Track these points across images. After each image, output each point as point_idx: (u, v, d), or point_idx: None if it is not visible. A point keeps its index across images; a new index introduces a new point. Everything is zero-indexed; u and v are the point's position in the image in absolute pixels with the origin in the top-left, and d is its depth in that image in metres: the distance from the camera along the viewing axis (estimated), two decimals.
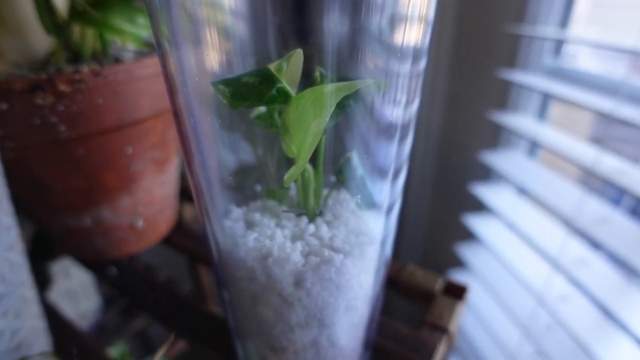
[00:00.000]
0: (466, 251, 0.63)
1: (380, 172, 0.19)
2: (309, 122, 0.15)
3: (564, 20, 0.53)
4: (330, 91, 0.15)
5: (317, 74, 0.17)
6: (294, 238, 0.18)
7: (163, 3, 0.14)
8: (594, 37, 0.44)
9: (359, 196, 0.19)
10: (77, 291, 0.59)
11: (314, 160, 0.18)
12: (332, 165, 0.19)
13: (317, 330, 0.19)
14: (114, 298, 0.68)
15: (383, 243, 0.21)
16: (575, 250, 0.48)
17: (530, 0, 0.52)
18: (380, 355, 0.27)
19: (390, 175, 0.19)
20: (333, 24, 0.15)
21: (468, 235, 0.65)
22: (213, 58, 0.16)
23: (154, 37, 0.16)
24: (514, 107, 0.58)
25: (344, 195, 0.21)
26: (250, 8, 0.15)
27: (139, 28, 0.28)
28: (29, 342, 0.23)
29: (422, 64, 0.17)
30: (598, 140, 0.53)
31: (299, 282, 0.18)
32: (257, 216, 0.19)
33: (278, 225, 0.19)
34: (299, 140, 0.16)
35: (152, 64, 0.28)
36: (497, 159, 0.58)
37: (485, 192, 0.59)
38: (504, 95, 0.59)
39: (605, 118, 0.45)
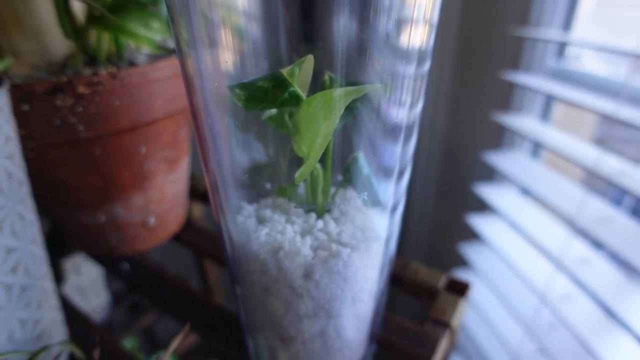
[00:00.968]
0: (470, 250, 0.64)
1: (385, 172, 0.20)
2: (319, 123, 0.16)
3: (567, 22, 0.53)
4: (339, 95, 0.16)
5: (326, 77, 0.18)
6: (304, 233, 0.19)
7: (183, 9, 0.15)
8: (596, 40, 0.45)
9: (365, 193, 0.20)
10: (87, 287, 0.61)
11: (322, 159, 0.19)
12: (340, 165, 0.20)
13: (325, 321, 0.20)
14: (122, 295, 0.69)
15: (387, 241, 0.22)
16: (577, 249, 0.48)
17: (533, 3, 0.53)
18: (385, 348, 0.28)
19: (394, 175, 0.20)
20: (342, 27, 0.16)
21: (472, 235, 0.65)
22: (229, 61, 0.17)
23: (174, 41, 0.17)
24: (517, 109, 0.59)
25: (350, 193, 0.22)
26: (262, 12, 0.16)
27: (153, 32, 0.29)
28: (49, 332, 0.25)
29: (427, 65, 0.18)
30: (601, 141, 0.53)
31: (308, 275, 0.19)
32: (268, 212, 0.20)
33: (288, 221, 0.20)
34: (309, 141, 0.17)
35: (165, 66, 0.29)
36: (500, 160, 0.58)
37: (488, 192, 0.60)
38: (507, 97, 0.59)
39: (608, 119, 0.46)
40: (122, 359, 0.29)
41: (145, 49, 0.33)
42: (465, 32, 0.62)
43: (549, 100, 0.58)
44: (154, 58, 0.30)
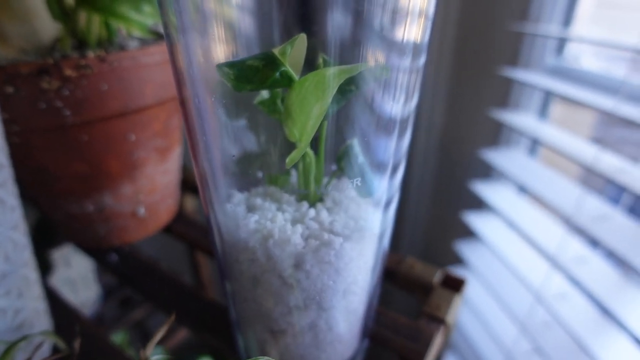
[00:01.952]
0: (465, 248, 0.63)
1: (379, 166, 0.19)
2: (312, 105, 0.16)
3: (567, 19, 0.53)
4: (332, 74, 0.15)
5: (320, 60, 0.17)
6: (295, 222, 0.19)
7: None
8: (596, 36, 0.44)
9: (358, 179, 0.19)
10: (76, 280, 0.60)
11: (315, 147, 0.18)
12: (334, 156, 0.19)
13: (316, 313, 0.20)
14: (113, 289, 0.68)
15: (381, 237, 0.21)
16: (574, 248, 0.48)
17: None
18: (379, 343, 0.27)
19: (388, 170, 0.20)
20: (336, 18, 0.15)
21: (468, 233, 0.65)
22: (219, 47, 0.16)
23: (162, 26, 0.16)
24: (515, 105, 0.59)
25: (344, 183, 0.21)
26: (255, 1, 0.15)
27: (145, 16, 0.28)
28: (31, 322, 0.24)
29: (422, 59, 0.18)
30: (599, 139, 0.53)
31: (298, 264, 0.18)
32: (258, 201, 0.20)
33: (279, 209, 0.19)
34: (301, 124, 0.16)
35: (157, 51, 0.28)
36: (497, 157, 0.58)
37: (485, 189, 0.60)
38: (505, 93, 0.59)
39: (606, 117, 0.45)
40: (109, 352, 0.28)
41: (137, 35, 0.32)
42: (464, 27, 0.62)
43: (548, 97, 0.58)
44: (145, 43, 0.30)
